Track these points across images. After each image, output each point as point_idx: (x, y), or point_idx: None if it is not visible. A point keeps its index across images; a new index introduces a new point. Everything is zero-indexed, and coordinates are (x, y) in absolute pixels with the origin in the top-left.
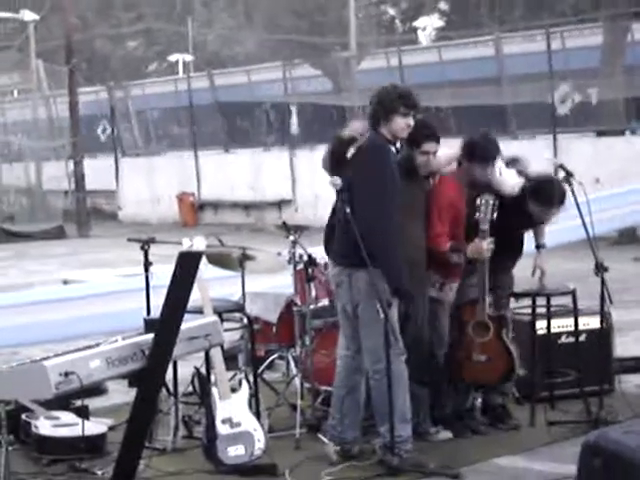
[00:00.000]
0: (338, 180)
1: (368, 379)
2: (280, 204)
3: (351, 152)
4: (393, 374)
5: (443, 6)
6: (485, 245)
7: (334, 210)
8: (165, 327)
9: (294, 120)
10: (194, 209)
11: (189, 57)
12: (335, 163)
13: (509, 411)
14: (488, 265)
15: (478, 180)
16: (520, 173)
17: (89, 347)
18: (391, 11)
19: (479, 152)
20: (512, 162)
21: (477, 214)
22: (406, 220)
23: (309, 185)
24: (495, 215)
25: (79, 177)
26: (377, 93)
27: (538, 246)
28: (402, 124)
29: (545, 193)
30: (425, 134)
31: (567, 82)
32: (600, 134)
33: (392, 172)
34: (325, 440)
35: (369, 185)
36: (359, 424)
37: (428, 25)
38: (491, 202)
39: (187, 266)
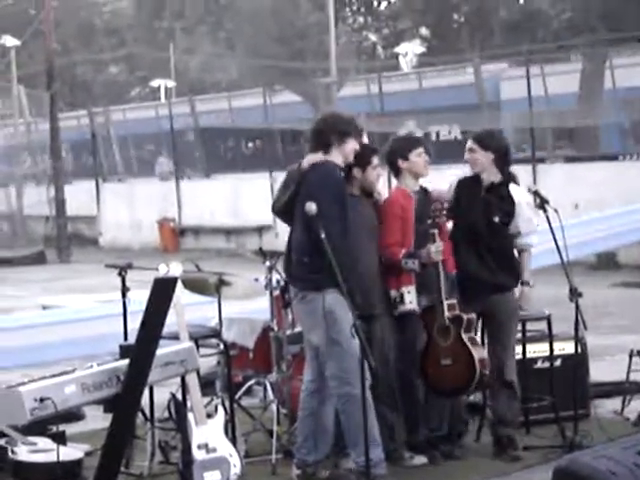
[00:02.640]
0: (314, 206)
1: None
2: (261, 230)
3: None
4: (358, 399)
5: (424, 32)
6: (434, 248)
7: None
8: (140, 353)
9: None
10: (175, 234)
11: (171, 83)
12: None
13: (515, 442)
14: (441, 267)
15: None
16: None
17: (65, 373)
18: (372, 37)
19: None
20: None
21: (429, 220)
22: (364, 241)
23: None
24: (445, 219)
25: (60, 203)
26: (326, 119)
27: (522, 282)
28: (354, 147)
29: None
30: (370, 149)
31: (413, 120)
32: (573, 160)
33: (345, 196)
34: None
35: (330, 210)
36: (323, 448)
37: (409, 51)
38: (439, 207)
39: (162, 292)
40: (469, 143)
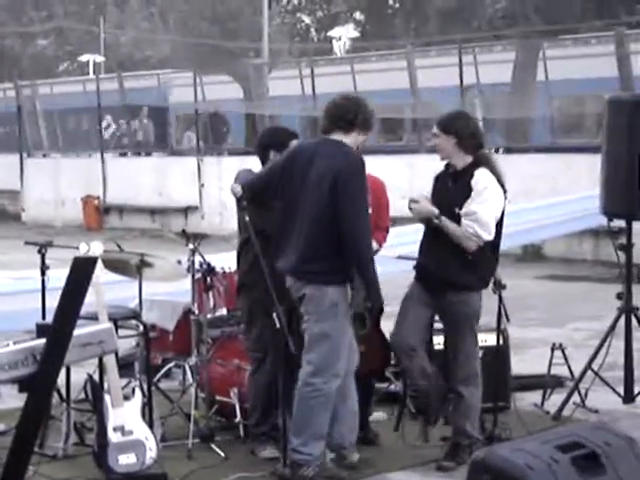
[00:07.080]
0: (238, 188)
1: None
2: (186, 210)
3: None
4: (327, 392)
5: (359, 16)
6: None
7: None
8: (57, 333)
9: None
10: (99, 213)
11: (100, 58)
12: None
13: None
14: None
15: None
16: None
17: None
18: (306, 19)
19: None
20: None
21: None
22: None
23: (216, 192)
24: None
25: None
26: (355, 101)
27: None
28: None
29: None
30: (289, 133)
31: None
32: (507, 151)
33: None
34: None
35: (365, 200)
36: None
37: (343, 35)
38: None
39: (81, 271)
40: (433, 128)
